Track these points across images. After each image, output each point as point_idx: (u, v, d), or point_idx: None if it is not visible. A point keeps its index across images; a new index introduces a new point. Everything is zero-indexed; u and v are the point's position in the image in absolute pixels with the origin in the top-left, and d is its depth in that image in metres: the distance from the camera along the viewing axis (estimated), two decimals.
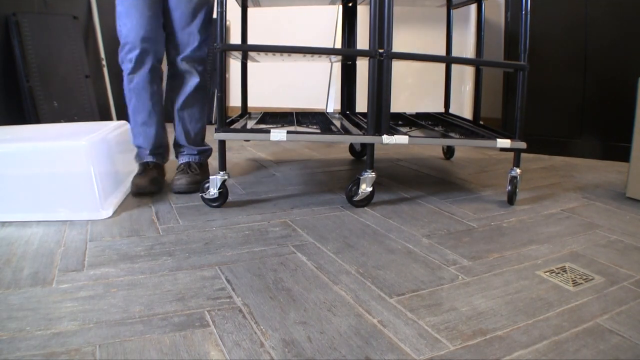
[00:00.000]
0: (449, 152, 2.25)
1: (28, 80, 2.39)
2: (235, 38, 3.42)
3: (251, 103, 3.48)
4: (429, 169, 2.01)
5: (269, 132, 1.44)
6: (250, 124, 1.83)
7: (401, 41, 2.72)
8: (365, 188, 1.48)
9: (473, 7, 2.46)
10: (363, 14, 1.95)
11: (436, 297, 0.96)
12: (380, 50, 1.42)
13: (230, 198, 1.63)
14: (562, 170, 1.96)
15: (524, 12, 1.47)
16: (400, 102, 2.75)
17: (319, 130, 1.64)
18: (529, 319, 0.87)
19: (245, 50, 1.76)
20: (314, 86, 3.12)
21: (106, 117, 2.93)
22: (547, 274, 1.05)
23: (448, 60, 2.05)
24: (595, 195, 1.60)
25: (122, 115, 3.01)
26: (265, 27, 3.27)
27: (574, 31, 2.09)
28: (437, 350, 0.79)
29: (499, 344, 0.80)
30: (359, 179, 1.48)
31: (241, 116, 2.02)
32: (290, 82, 3.27)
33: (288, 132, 1.44)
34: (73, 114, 2.58)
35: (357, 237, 1.27)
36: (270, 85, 3.38)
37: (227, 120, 1.72)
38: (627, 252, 1.15)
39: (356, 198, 1.50)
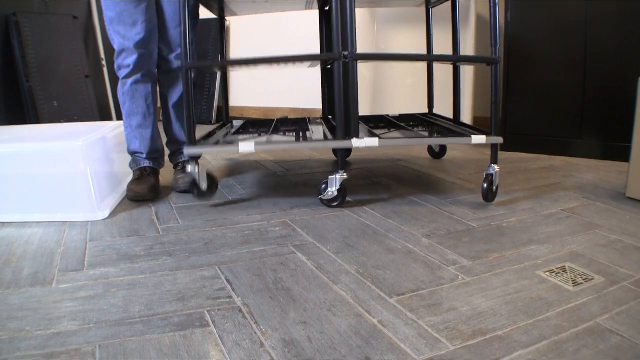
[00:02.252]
0: (440, 152, 2.25)
1: (28, 80, 2.40)
2: (235, 39, 3.42)
3: (251, 103, 3.49)
4: (429, 169, 2.01)
5: (237, 144, 1.45)
6: (228, 134, 1.85)
7: (402, 43, 2.72)
8: (333, 188, 1.47)
9: (472, 4, 2.47)
10: None
11: (436, 297, 0.96)
12: (345, 53, 1.42)
13: (230, 198, 1.63)
14: (562, 170, 1.96)
15: (491, 5, 1.47)
16: (397, 104, 2.75)
17: (291, 139, 1.64)
18: (529, 319, 0.87)
19: (210, 66, 1.78)
20: (315, 87, 3.13)
21: (106, 117, 2.93)
22: (547, 274, 1.05)
23: (414, 58, 2.06)
24: (595, 195, 1.59)
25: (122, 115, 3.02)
26: (266, 30, 3.27)
27: (574, 31, 2.09)
28: (437, 350, 0.79)
29: (499, 344, 0.80)
30: (329, 178, 1.48)
31: (223, 126, 2.03)
32: (294, 83, 3.27)
33: (256, 144, 1.45)
34: (73, 114, 2.58)
35: (357, 237, 1.27)
36: (273, 86, 3.38)
37: (209, 132, 1.75)
38: (627, 252, 1.15)
39: (323, 197, 1.49)
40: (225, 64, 1.86)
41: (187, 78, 1.43)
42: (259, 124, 2.08)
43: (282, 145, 1.51)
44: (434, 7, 2.07)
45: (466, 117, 2.46)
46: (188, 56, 1.43)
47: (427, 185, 1.75)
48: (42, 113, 2.43)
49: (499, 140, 1.47)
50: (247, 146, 1.44)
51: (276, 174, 1.96)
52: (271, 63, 1.59)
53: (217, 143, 1.62)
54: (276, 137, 1.69)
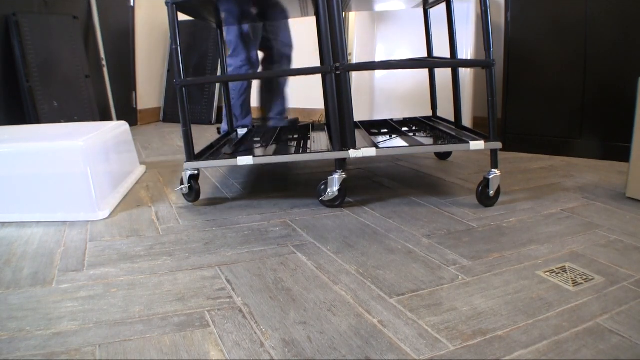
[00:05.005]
0: (445, 153, 2.25)
1: (28, 80, 2.39)
2: None
3: (251, 103, 3.48)
4: (429, 169, 2.01)
5: (236, 157, 1.49)
6: (231, 145, 1.89)
7: (404, 43, 2.72)
8: (332, 189, 1.48)
9: (472, 4, 2.46)
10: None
11: (436, 297, 0.96)
12: (336, 65, 1.43)
13: (230, 198, 1.63)
14: (562, 170, 1.96)
15: (482, 9, 1.47)
16: (403, 106, 2.75)
17: (291, 150, 1.67)
18: (529, 319, 0.87)
19: (203, 82, 1.84)
20: (315, 87, 3.12)
21: (106, 117, 2.93)
22: (547, 274, 1.05)
23: (407, 65, 2.07)
24: (595, 195, 1.59)
25: (122, 115, 3.02)
26: None
27: (574, 31, 2.09)
28: (437, 350, 0.79)
29: (499, 344, 0.80)
30: (328, 179, 1.48)
31: (228, 134, 2.10)
32: (294, 83, 3.26)
33: (254, 157, 1.49)
34: (73, 114, 2.58)
35: (357, 237, 1.27)
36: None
37: (211, 144, 1.81)
38: (627, 252, 1.15)
39: (323, 198, 1.50)
40: (220, 80, 1.91)
41: (182, 95, 1.48)
42: (262, 133, 2.12)
43: (280, 158, 1.55)
44: (431, 7, 2.07)
45: (466, 118, 2.46)
46: (181, 73, 1.47)
47: (427, 185, 1.75)
48: (42, 113, 2.43)
49: (498, 145, 1.47)
50: (245, 160, 1.48)
51: (276, 174, 1.96)
52: (265, 77, 1.63)
53: (217, 156, 1.66)
54: (277, 148, 1.72)
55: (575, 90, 2.12)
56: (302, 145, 1.75)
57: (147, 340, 0.82)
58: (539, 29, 2.17)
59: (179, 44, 1.45)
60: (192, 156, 1.51)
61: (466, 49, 2.47)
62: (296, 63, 3.05)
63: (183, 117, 1.49)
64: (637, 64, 1.95)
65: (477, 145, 1.47)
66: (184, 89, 1.48)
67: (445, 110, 2.17)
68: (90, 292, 0.99)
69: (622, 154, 1.93)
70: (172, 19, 1.43)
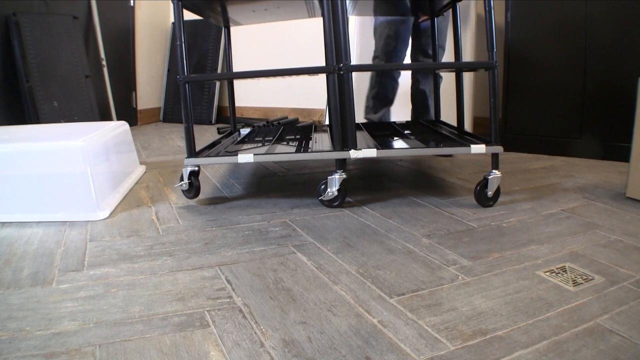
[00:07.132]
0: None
1: (28, 80, 2.40)
2: (235, 39, 3.42)
3: (251, 103, 3.49)
4: (429, 169, 2.01)
5: (236, 155, 1.50)
6: (233, 143, 1.90)
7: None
8: (332, 189, 1.48)
9: (472, 4, 2.46)
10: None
11: (436, 297, 0.96)
12: (339, 65, 1.43)
13: (230, 198, 1.63)
14: (562, 170, 1.96)
15: (486, 9, 1.47)
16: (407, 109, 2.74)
17: (292, 149, 1.67)
18: (529, 319, 0.87)
19: (206, 79, 1.83)
20: (315, 87, 3.13)
21: (106, 117, 2.93)
22: (547, 274, 1.05)
23: (411, 67, 2.07)
24: (595, 195, 1.59)
25: (122, 115, 3.02)
26: (268, 31, 3.27)
27: (574, 31, 2.09)
28: (437, 350, 0.79)
29: (499, 344, 0.80)
30: (328, 179, 1.48)
31: (230, 134, 2.11)
32: (294, 83, 3.27)
33: (255, 155, 1.49)
34: (73, 114, 2.58)
35: (357, 237, 1.27)
36: (273, 86, 3.38)
37: (213, 142, 1.81)
38: (627, 252, 1.15)
39: (322, 197, 1.50)
40: (224, 77, 1.91)
41: (185, 92, 1.48)
42: (265, 132, 2.13)
43: (281, 157, 1.55)
44: (437, 16, 2.08)
45: (466, 118, 2.45)
46: (184, 70, 1.47)
47: (427, 185, 1.75)
48: (42, 113, 2.43)
49: (499, 149, 1.47)
50: (245, 158, 1.49)
51: (276, 174, 1.96)
52: (269, 76, 1.63)
53: (218, 153, 1.66)
54: (278, 147, 1.72)
55: (575, 90, 2.12)
56: (303, 145, 1.75)
57: (147, 340, 0.82)
58: (539, 29, 2.17)
59: (183, 40, 1.44)
60: (193, 152, 1.51)
61: (466, 50, 2.47)
62: (297, 63, 3.05)
63: (185, 114, 1.48)
64: (637, 64, 1.95)
65: (478, 149, 1.47)
66: (187, 86, 1.47)
67: (446, 111, 2.17)
68: (90, 292, 0.99)
69: (622, 154, 1.93)
70: (178, 16, 1.42)
